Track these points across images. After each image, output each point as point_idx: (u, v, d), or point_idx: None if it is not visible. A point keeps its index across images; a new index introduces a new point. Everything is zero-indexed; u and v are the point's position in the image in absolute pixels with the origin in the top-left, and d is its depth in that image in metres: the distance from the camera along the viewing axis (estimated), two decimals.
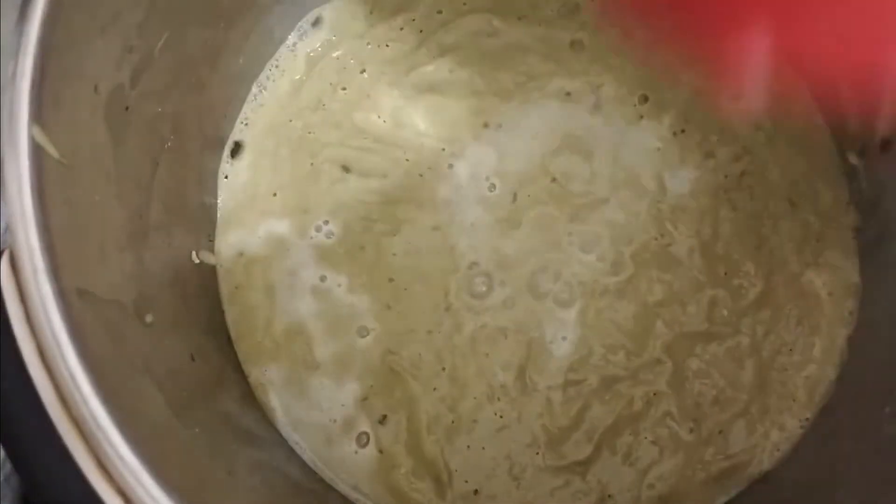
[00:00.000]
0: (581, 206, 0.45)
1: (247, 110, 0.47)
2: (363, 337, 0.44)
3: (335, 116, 0.47)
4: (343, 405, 0.44)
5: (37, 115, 0.29)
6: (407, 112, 0.47)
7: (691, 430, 0.43)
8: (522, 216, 0.45)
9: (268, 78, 0.48)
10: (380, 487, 0.43)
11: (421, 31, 0.48)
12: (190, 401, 0.37)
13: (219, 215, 0.46)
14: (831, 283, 0.44)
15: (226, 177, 0.46)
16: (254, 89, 0.47)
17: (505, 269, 0.45)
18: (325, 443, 0.43)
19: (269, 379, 0.44)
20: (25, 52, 0.29)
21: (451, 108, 0.47)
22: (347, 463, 0.43)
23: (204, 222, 0.45)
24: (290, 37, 0.48)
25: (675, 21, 0.33)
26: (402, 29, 0.48)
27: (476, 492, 0.43)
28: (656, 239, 0.45)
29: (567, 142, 0.46)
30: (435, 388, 0.44)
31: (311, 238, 0.45)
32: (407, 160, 0.46)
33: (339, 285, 0.45)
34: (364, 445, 0.43)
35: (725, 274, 0.44)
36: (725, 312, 0.44)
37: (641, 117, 0.46)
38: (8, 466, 0.41)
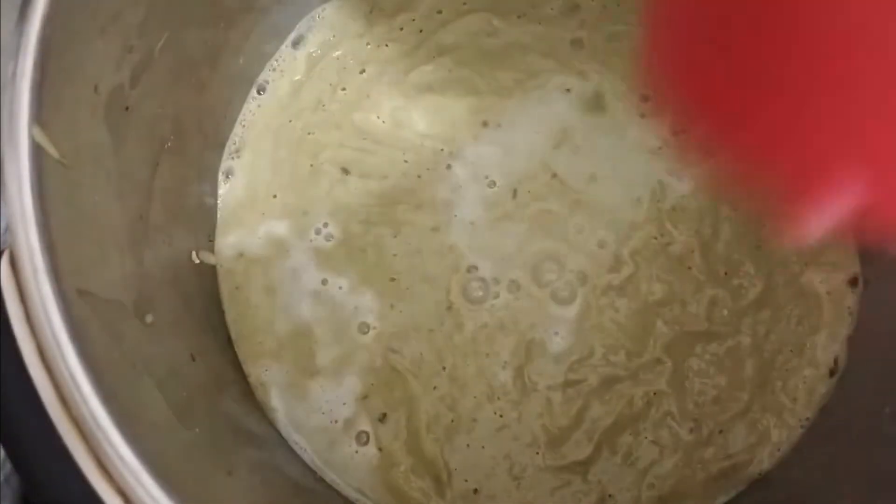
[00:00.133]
0: (581, 203, 0.45)
1: (247, 111, 0.47)
2: (364, 335, 0.44)
3: (335, 117, 0.47)
4: (344, 403, 0.44)
5: (37, 115, 0.29)
6: (406, 112, 0.47)
7: (691, 430, 0.43)
8: (523, 212, 0.45)
9: (268, 78, 0.48)
10: (379, 486, 0.43)
11: (421, 31, 0.48)
12: (190, 401, 0.37)
13: (219, 216, 0.46)
14: (831, 282, 0.44)
15: (226, 177, 0.46)
16: (253, 90, 0.47)
17: (505, 267, 0.45)
18: (325, 442, 0.44)
19: (270, 379, 0.44)
20: (25, 52, 0.29)
21: (451, 107, 0.47)
22: (347, 462, 0.43)
23: (204, 222, 0.45)
24: (289, 37, 0.48)
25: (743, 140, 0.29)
26: (401, 29, 0.48)
27: (476, 491, 0.43)
28: (656, 238, 0.45)
29: (567, 139, 0.46)
30: (435, 387, 0.44)
31: (311, 241, 0.45)
32: (406, 161, 0.46)
33: (341, 287, 0.45)
34: (364, 444, 0.43)
35: (725, 274, 0.44)
36: (725, 312, 0.44)
37: (642, 116, 0.46)
38: (8, 466, 0.41)
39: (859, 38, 0.25)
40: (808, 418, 0.43)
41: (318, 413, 0.44)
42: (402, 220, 0.45)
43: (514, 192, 0.46)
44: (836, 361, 0.44)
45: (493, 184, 0.46)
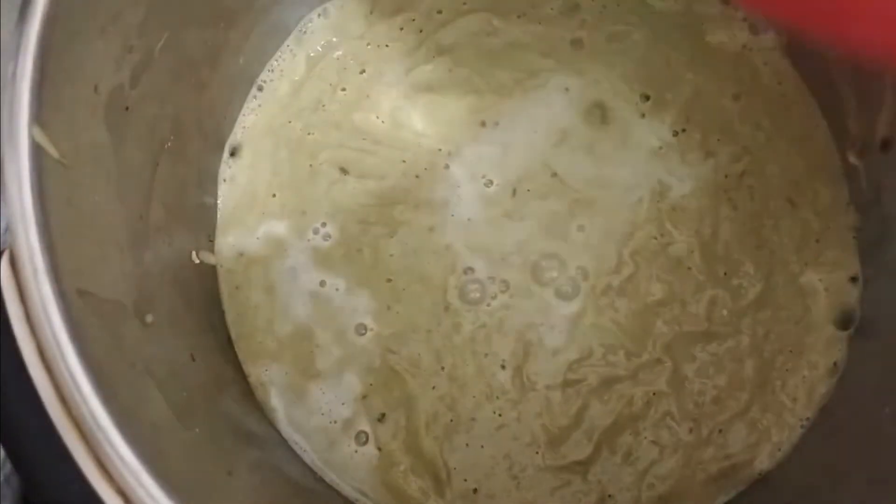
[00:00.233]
0: (581, 203, 0.45)
1: (247, 111, 0.47)
2: (362, 336, 0.44)
3: (334, 117, 0.47)
4: (343, 403, 0.44)
5: (37, 116, 0.29)
6: (406, 112, 0.47)
7: (691, 430, 0.43)
8: (522, 212, 0.45)
9: (268, 78, 0.48)
10: (379, 486, 0.43)
11: (421, 31, 0.48)
12: (190, 401, 0.37)
13: (219, 216, 0.46)
14: (831, 282, 0.44)
15: (225, 177, 0.47)
16: (253, 90, 0.47)
17: (503, 267, 0.45)
18: (325, 442, 0.44)
19: (270, 379, 0.44)
20: (25, 52, 0.29)
21: (450, 107, 0.47)
22: (347, 462, 0.43)
23: (204, 222, 0.45)
24: (289, 37, 0.48)
25: None
26: (401, 29, 0.48)
27: (475, 490, 0.43)
28: (656, 238, 0.45)
29: (567, 139, 0.46)
30: (434, 387, 0.44)
31: (309, 241, 0.45)
32: (404, 161, 0.46)
33: (338, 289, 0.45)
34: (363, 444, 0.43)
35: (725, 274, 0.44)
36: (725, 312, 0.44)
37: (643, 116, 0.46)
38: (8, 466, 0.41)
39: None
40: (808, 418, 0.43)
41: (317, 413, 0.44)
42: (399, 220, 0.45)
43: (514, 192, 0.46)
44: (836, 361, 0.44)
45: (490, 183, 0.46)
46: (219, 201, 0.46)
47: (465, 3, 0.48)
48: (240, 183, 0.46)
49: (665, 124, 0.46)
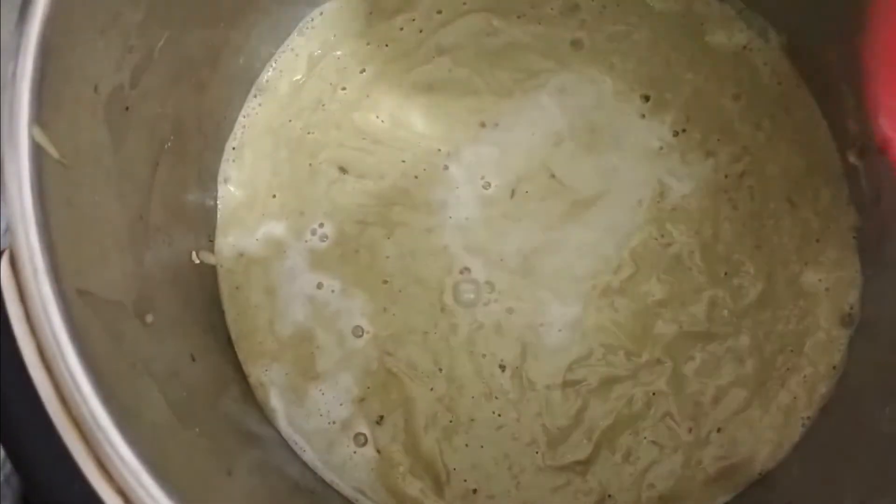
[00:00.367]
0: (580, 204, 0.45)
1: (247, 111, 0.47)
2: (358, 338, 0.44)
3: (334, 116, 0.47)
4: (341, 404, 0.44)
5: (37, 116, 0.29)
6: (405, 112, 0.47)
7: (691, 430, 0.43)
8: (521, 213, 0.45)
9: (268, 78, 0.48)
10: (378, 487, 0.43)
11: (421, 31, 0.48)
12: (190, 401, 0.37)
13: (219, 216, 0.46)
14: (831, 282, 0.44)
15: (226, 177, 0.46)
16: (253, 90, 0.47)
17: (501, 268, 0.45)
18: (324, 443, 0.44)
19: (269, 379, 0.44)
20: (25, 53, 0.29)
21: (450, 107, 0.47)
22: (346, 463, 0.43)
23: (204, 223, 0.45)
24: (290, 37, 0.48)
25: None
26: (401, 29, 0.48)
27: (475, 491, 0.43)
28: (656, 239, 0.45)
29: (566, 140, 0.46)
30: (432, 389, 0.44)
31: (307, 241, 0.45)
32: (403, 161, 0.46)
33: (333, 290, 0.45)
34: (362, 445, 0.43)
35: (726, 274, 0.44)
36: (726, 312, 0.44)
37: (643, 116, 0.46)
38: (8, 466, 0.41)
39: None
40: (808, 418, 0.43)
41: (316, 415, 0.44)
42: (397, 220, 0.45)
43: (512, 193, 0.46)
44: (836, 361, 0.44)
45: (489, 184, 0.46)
46: (219, 201, 0.46)
47: (465, 3, 0.48)
48: (240, 183, 0.46)
49: (665, 124, 0.46)
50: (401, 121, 0.47)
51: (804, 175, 0.45)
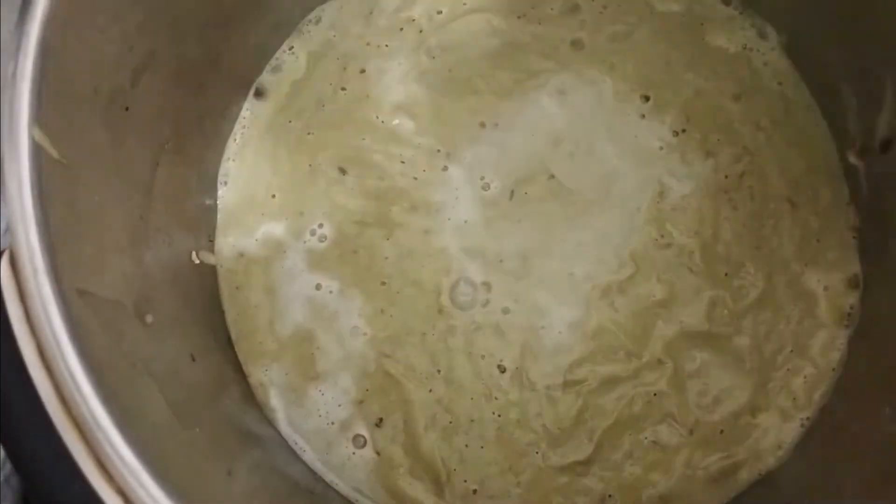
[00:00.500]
0: (580, 205, 0.45)
1: (247, 111, 0.47)
2: (356, 339, 0.44)
3: (335, 117, 0.47)
4: (339, 405, 0.44)
5: (37, 116, 0.29)
6: (406, 112, 0.47)
7: (691, 431, 0.43)
8: (520, 213, 0.45)
9: (268, 78, 0.48)
10: (378, 487, 0.43)
11: (421, 31, 0.48)
12: (190, 401, 0.37)
13: (219, 216, 0.46)
14: (831, 283, 0.44)
15: (226, 177, 0.46)
16: (254, 90, 0.47)
17: (500, 268, 0.45)
18: (323, 443, 0.44)
19: (270, 379, 0.44)
20: (25, 53, 0.29)
21: (450, 107, 0.47)
22: (346, 464, 0.43)
23: (204, 223, 0.45)
24: (290, 37, 0.48)
25: None
26: (402, 29, 0.48)
27: (475, 491, 0.43)
28: (656, 239, 0.45)
29: (566, 140, 0.46)
30: (430, 390, 0.44)
31: (306, 242, 0.45)
32: (403, 162, 0.46)
33: (331, 291, 0.45)
34: (361, 447, 0.43)
35: (726, 274, 0.44)
36: (726, 313, 0.44)
37: (643, 116, 0.46)
38: (8, 466, 0.41)
39: None
40: (808, 418, 0.43)
41: (315, 415, 0.44)
42: (395, 221, 0.45)
43: (511, 194, 0.46)
44: (836, 361, 0.44)
45: (488, 186, 0.46)
46: (219, 201, 0.46)
47: (465, 3, 0.48)
48: (240, 183, 0.46)
49: (665, 125, 0.46)
50: (401, 121, 0.47)
51: (804, 175, 0.45)
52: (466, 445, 0.43)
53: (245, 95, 0.47)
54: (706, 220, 0.45)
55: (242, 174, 0.46)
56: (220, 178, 0.46)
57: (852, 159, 0.44)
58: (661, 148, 0.46)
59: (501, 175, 0.46)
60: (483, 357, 0.44)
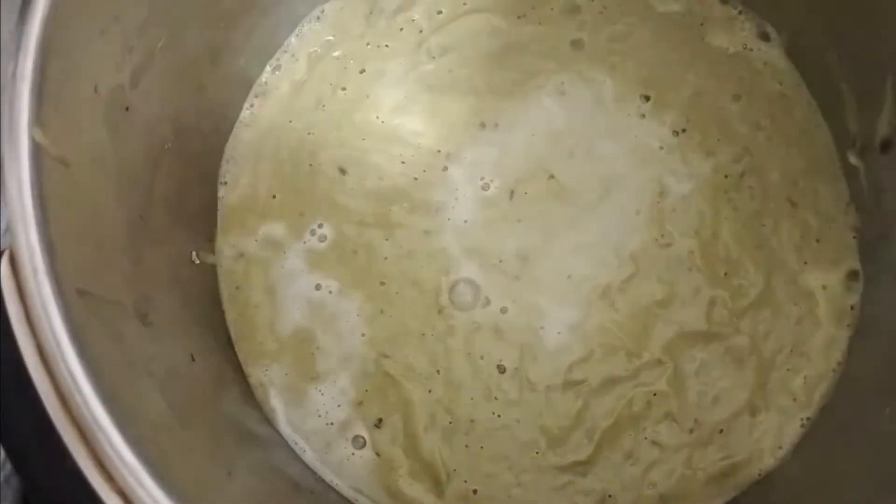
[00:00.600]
0: (580, 205, 0.45)
1: (247, 111, 0.47)
2: (356, 340, 0.44)
3: (335, 117, 0.47)
4: (339, 405, 0.44)
5: (37, 116, 0.29)
6: (406, 112, 0.47)
7: (691, 430, 0.43)
8: (520, 214, 0.45)
9: (268, 78, 0.48)
10: (378, 488, 0.43)
11: (421, 31, 0.48)
12: (190, 401, 0.37)
13: (219, 216, 0.46)
14: (831, 282, 0.44)
15: (226, 177, 0.46)
16: (254, 90, 0.47)
17: (500, 269, 0.45)
18: (322, 444, 0.43)
19: (270, 379, 0.44)
20: (25, 53, 0.29)
21: (450, 107, 0.47)
22: (345, 464, 0.43)
23: (204, 223, 0.45)
24: (290, 37, 0.48)
25: None
26: (402, 29, 0.48)
27: (475, 491, 0.43)
28: (656, 239, 0.45)
29: (566, 140, 0.46)
30: (430, 391, 0.44)
31: (305, 242, 0.45)
32: (403, 162, 0.46)
33: (331, 291, 0.45)
34: (361, 447, 0.43)
35: (725, 274, 0.44)
36: (725, 312, 0.44)
37: (643, 116, 0.46)
38: (8, 466, 0.41)
39: None
40: (808, 418, 0.43)
41: (314, 415, 0.44)
42: (395, 222, 0.45)
43: (511, 194, 0.46)
44: (836, 361, 0.44)
45: (488, 186, 0.46)
46: (219, 202, 0.46)
47: (465, 3, 0.48)
48: (240, 183, 0.46)
49: (665, 125, 0.46)
50: (401, 121, 0.47)
51: (804, 175, 0.45)
52: (466, 446, 0.43)
53: (245, 95, 0.47)
54: (706, 220, 0.45)
55: (242, 174, 0.47)
56: (220, 178, 0.46)
57: (852, 159, 0.44)
58: (661, 148, 0.46)
59: (501, 175, 0.46)
60: (483, 357, 0.44)
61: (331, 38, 0.48)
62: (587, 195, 0.45)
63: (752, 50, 0.47)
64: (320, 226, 0.46)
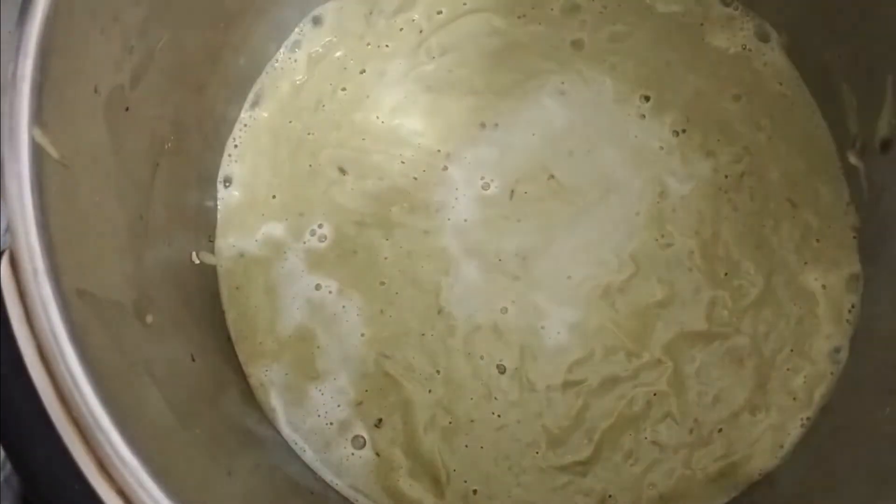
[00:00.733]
0: (580, 205, 0.45)
1: (247, 111, 0.47)
2: (355, 340, 0.44)
3: (334, 117, 0.47)
4: (338, 405, 0.44)
5: (37, 116, 0.29)
6: (406, 112, 0.47)
7: (691, 430, 0.43)
8: (520, 214, 0.45)
9: (268, 79, 0.48)
10: (378, 488, 0.43)
11: (421, 32, 0.48)
12: (190, 401, 0.37)
13: (219, 216, 0.46)
14: (831, 282, 0.44)
15: (226, 178, 0.46)
16: (254, 90, 0.47)
17: (499, 269, 0.45)
18: (323, 444, 0.43)
19: (270, 379, 0.44)
20: (26, 53, 0.29)
21: (450, 107, 0.47)
22: (345, 464, 0.43)
23: (204, 223, 0.45)
24: (290, 38, 0.48)
25: None
26: (402, 29, 0.48)
27: (475, 492, 0.43)
28: (657, 239, 0.45)
29: (566, 140, 0.46)
30: (430, 391, 0.44)
31: (305, 242, 0.45)
32: (403, 162, 0.46)
33: (331, 291, 0.45)
34: (361, 447, 0.43)
35: (726, 274, 0.44)
36: (726, 313, 0.44)
37: (643, 117, 0.46)
38: (8, 467, 0.41)
39: None
40: (808, 418, 0.43)
41: (314, 415, 0.44)
42: (395, 222, 0.45)
43: (511, 194, 0.46)
44: (836, 361, 0.44)
45: (488, 185, 0.46)
46: (219, 202, 0.46)
47: (465, 3, 0.48)
48: (240, 183, 0.46)
49: (665, 125, 0.46)
50: (401, 121, 0.47)
51: (804, 175, 0.45)
52: (466, 446, 0.43)
53: (245, 95, 0.47)
54: (706, 220, 0.45)
55: (242, 174, 0.47)
56: (220, 179, 0.46)
57: (852, 159, 0.44)
58: (661, 148, 0.46)
59: (501, 175, 0.46)
60: (482, 357, 0.44)
61: (331, 38, 0.48)
62: (587, 195, 0.45)
63: (752, 50, 0.47)
64: (320, 226, 0.46)
